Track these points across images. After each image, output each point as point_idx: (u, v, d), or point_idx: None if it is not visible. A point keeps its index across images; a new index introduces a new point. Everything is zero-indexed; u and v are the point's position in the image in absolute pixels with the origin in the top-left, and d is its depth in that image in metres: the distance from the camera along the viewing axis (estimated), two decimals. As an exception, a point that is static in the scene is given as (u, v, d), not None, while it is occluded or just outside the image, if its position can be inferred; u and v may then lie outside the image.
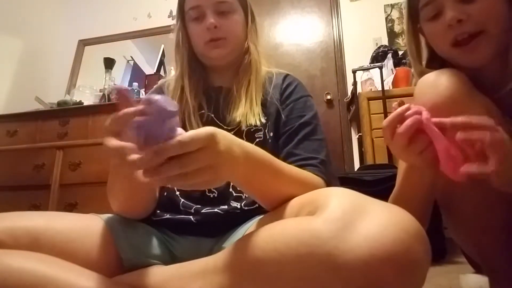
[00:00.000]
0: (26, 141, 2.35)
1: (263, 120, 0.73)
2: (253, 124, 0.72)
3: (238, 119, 0.72)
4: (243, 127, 0.72)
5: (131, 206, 0.64)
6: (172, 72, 0.89)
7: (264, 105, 0.76)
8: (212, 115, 0.77)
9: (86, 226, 0.56)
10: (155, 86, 0.90)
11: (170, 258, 0.62)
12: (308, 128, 0.72)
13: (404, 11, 0.78)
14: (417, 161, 0.59)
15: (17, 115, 2.45)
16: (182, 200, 0.69)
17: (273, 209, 0.56)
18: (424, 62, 0.77)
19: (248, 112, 0.73)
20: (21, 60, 2.94)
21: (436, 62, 0.75)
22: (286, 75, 0.83)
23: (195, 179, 0.42)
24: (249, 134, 0.73)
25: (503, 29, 0.64)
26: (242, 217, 0.65)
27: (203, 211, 0.66)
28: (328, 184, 0.65)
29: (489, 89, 0.64)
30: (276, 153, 0.72)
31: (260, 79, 0.79)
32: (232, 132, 0.74)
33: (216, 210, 0.66)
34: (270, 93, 0.78)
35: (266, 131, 0.75)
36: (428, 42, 0.75)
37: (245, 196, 0.69)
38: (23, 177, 2.23)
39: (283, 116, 0.75)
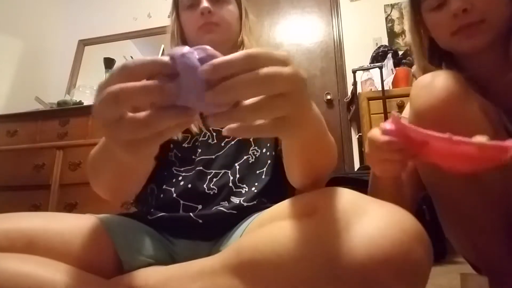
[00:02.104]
0: (26, 141, 2.35)
1: None
2: None
3: None
4: None
5: (118, 187, 0.61)
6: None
7: None
8: None
9: (84, 228, 0.56)
10: None
11: (170, 259, 0.62)
12: None
13: (407, 3, 0.78)
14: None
15: (17, 115, 2.45)
16: (182, 202, 0.67)
17: (301, 186, 0.58)
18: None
19: None
20: (21, 60, 2.93)
21: (435, 57, 0.75)
22: None
23: (267, 113, 0.34)
24: None
25: (503, 18, 0.65)
26: (242, 216, 0.64)
27: (204, 213, 0.65)
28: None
29: (489, 81, 0.66)
30: (275, 141, 0.74)
31: None
32: None
33: (218, 208, 0.65)
34: None
35: None
36: (428, 35, 0.75)
37: (245, 191, 0.68)
38: (23, 177, 2.23)
39: None
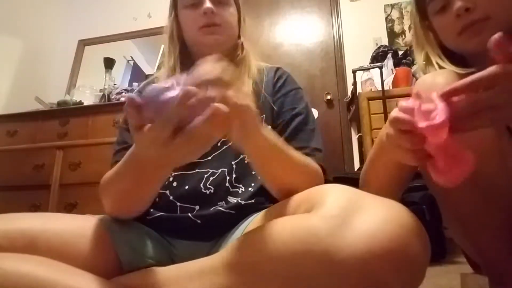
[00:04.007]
0: (26, 141, 2.35)
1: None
2: None
3: None
4: None
5: (133, 201, 0.59)
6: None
7: (256, 97, 0.77)
8: None
9: (84, 228, 0.56)
10: (143, 82, 0.88)
11: (169, 260, 0.62)
12: (299, 118, 0.73)
13: (412, 9, 0.77)
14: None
15: (17, 115, 2.45)
16: (179, 204, 0.67)
17: (279, 195, 0.59)
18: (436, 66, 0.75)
19: None
20: (21, 60, 2.93)
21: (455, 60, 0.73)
22: (277, 68, 0.84)
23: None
24: None
25: (510, 13, 0.64)
26: (240, 215, 0.64)
27: (202, 213, 0.65)
28: (324, 168, 0.67)
29: None
30: None
31: (252, 73, 0.79)
32: None
33: (216, 208, 0.65)
34: (263, 88, 0.78)
35: None
36: (439, 40, 0.74)
37: (242, 191, 0.68)
38: (23, 177, 2.23)
39: (275, 108, 0.76)
